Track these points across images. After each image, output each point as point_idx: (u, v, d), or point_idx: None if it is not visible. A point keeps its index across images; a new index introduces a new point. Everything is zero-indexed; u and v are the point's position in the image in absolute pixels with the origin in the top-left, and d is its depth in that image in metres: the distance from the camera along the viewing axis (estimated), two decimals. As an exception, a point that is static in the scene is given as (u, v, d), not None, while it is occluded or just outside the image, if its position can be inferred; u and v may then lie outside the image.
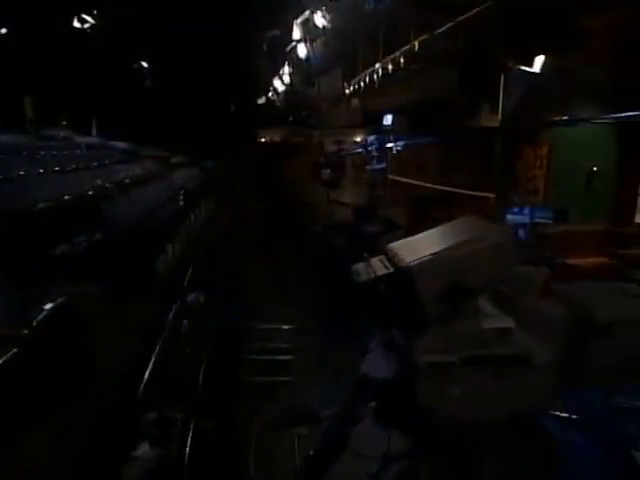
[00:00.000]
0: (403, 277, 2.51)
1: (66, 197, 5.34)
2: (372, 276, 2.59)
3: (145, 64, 14.15)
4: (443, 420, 2.59)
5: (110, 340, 3.42)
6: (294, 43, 11.89)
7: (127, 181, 7.53)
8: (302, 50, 12.37)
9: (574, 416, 3.44)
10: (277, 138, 31.12)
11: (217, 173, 14.24)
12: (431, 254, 2.57)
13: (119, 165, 9.35)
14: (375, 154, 10.97)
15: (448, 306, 2.46)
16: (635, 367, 3.05)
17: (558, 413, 3.32)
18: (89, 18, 12.62)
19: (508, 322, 2.73)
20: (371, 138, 11.49)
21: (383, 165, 11.81)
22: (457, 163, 13.09)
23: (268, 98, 18.44)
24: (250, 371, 5.31)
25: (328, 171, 16.47)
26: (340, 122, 18.82)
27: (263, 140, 31.12)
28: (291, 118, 20.90)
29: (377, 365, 2.84)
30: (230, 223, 10.42)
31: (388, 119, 13.31)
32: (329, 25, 11.19)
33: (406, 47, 10.69)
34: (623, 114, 8.77)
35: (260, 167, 15.69)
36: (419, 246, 2.76)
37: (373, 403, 2.87)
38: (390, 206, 15.94)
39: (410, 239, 2.99)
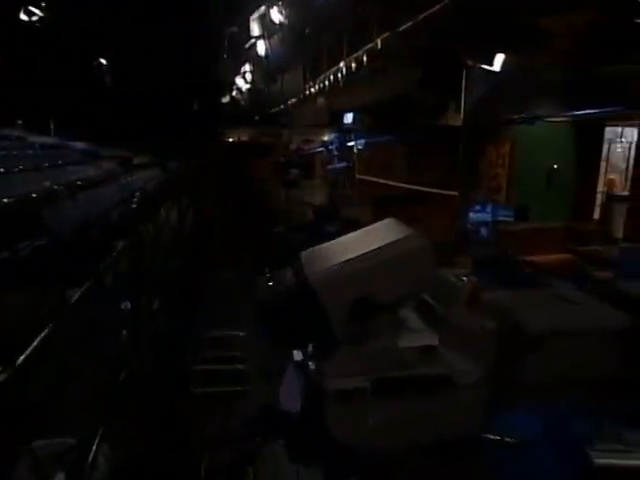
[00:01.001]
0: (305, 292, 2.24)
1: (5, 200, 5.02)
2: (274, 290, 2.35)
3: (104, 61, 13.70)
4: (358, 451, 2.34)
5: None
6: (253, 40, 11.66)
7: (79, 183, 7.18)
8: (261, 47, 12.14)
9: (509, 438, 3.23)
10: (245, 137, 30.92)
11: (181, 173, 13.89)
12: (336, 264, 2.30)
13: (73, 166, 8.98)
14: (336, 153, 10.85)
15: (358, 324, 2.21)
16: (572, 382, 2.92)
17: (490, 435, 3.07)
18: (37, 11, 12.04)
19: (430, 339, 2.52)
20: (332, 137, 11.38)
21: (344, 164, 11.70)
22: (424, 162, 13.14)
23: (232, 97, 18.18)
24: (198, 382, 5.10)
25: (295, 170, 16.30)
26: (307, 121, 18.72)
27: (231, 140, 30.84)
28: (257, 117, 20.70)
29: (288, 392, 2.55)
30: (191, 224, 10.16)
31: (349, 117, 13.20)
32: (285, 21, 11.00)
33: (369, 45, 10.61)
34: (580, 112, 8.92)
35: (226, 167, 15.44)
36: (330, 254, 2.50)
37: (281, 436, 2.59)
38: (357, 205, 15.93)
39: (324, 246, 2.71)
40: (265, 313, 2.42)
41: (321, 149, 13.89)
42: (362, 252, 2.35)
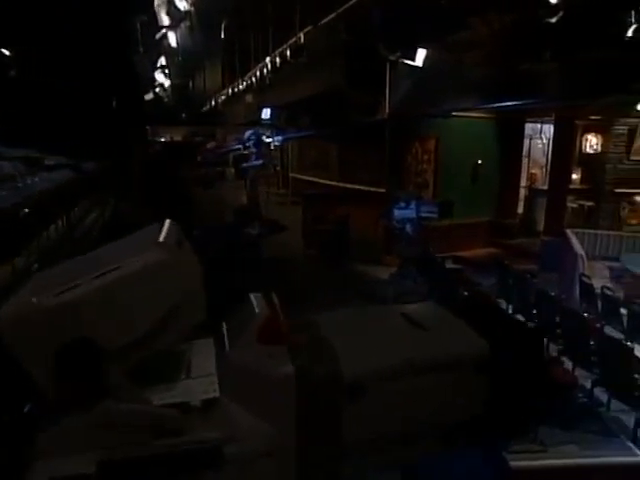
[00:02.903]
0: None
1: None
2: None
3: (7, 52, 12.54)
4: None
5: None
6: (164, 30, 11.03)
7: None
8: (172, 38, 11.52)
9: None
10: (178, 137, 29.81)
11: (98, 174, 12.98)
12: (30, 295, 1.58)
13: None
14: (253, 150, 10.46)
15: (76, 378, 1.45)
16: (416, 434, 2.47)
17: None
18: None
19: (194, 394, 1.79)
20: (248, 133, 10.95)
21: (260, 162, 11.31)
22: (358, 159, 13.00)
23: (156, 94, 17.35)
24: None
25: (209, 170, 15.59)
26: (238, 119, 18.17)
27: (163, 140, 29.66)
28: (184, 116, 19.92)
29: None
30: (104, 227, 9.44)
31: (266, 113, 12.77)
32: (192, 8, 10.44)
33: (292, 40, 10.32)
34: (498, 104, 9.05)
35: (149, 168, 14.64)
36: (56, 279, 1.76)
37: None
38: (290, 204, 15.64)
39: (64, 265, 1.98)
40: None
41: (238, 147, 13.43)
42: (84, 276, 1.70)
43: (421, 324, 2.99)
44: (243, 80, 14.66)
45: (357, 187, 11.63)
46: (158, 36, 11.15)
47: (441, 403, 2.61)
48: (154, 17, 11.15)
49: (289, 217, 12.55)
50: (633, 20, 7.27)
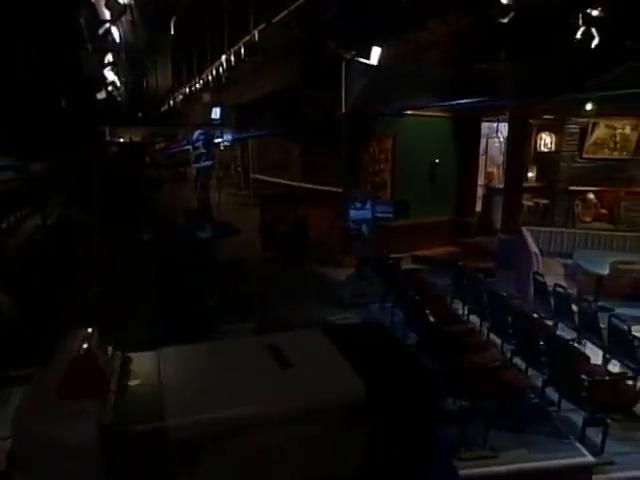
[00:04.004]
0: None
1: None
2: None
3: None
4: None
5: None
6: (107, 25, 10.58)
7: None
8: (115, 33, 11.07)
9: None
10: (137, 138, 28.99)
11: (47, 176, 12.39)
12: None
13: None
14: (203, 151, 10.17)
15: None
16: None
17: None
18: None
19: None
20: (197, 133, 10.65)
21: (210, 163, 11.00)
22: (318, 159, 12.85)
23: (109, 93, 16.72)
24: None
25: (153, 172, 15.08)
26: (197, 119, 17.77)
27: (122, 140, 28.79)
28: (140, 115, 19.33)
29: None
30: (47, 232, 8.98)
31: (216, 112, 12.44)
32: (132, 1, 10.05)
33: (246, 38, 10.08)
34: (452, 102, 9.06)
35: (102, 168, 14.11)
36: None
37: None
38: (251, 206, 15.36)
39: None
40: None
41: (187, 147, 13.07)
42: None
43: (288, 361, 2.62)
44: (200, 79, 14.29)
45: (318, 187, 11.48)
46: (101, 31, 10.69)
47: (308, 459, 2.21)
48: (95, 11, 10.70)
49: (249, 218, 12.29)
50: (580, 23, 7.43)
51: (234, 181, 20.48)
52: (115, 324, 4.33)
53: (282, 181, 14.18)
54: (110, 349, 2.42)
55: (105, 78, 13.23)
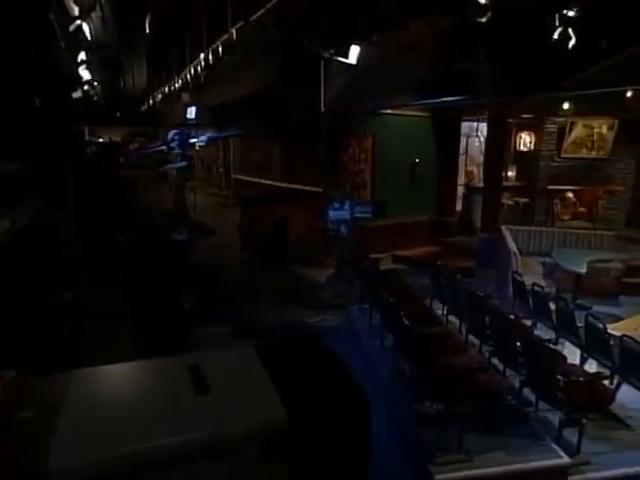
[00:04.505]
0: None
1: None
2: None
3: None
4: None
5: None
6: (77, 22, 10.32)
7: None
8: (86, 30, 10.81)
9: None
10: (117, 138, 28.50)
11: (21, 176, 12.11)
12: None
13: None
14: (178, 151, 9.99)
15: None
16: None
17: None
18: None
19: None
20: (172, 133, 10.45)
21: (185, 163, 10.82)
22: (299, 159, 12.74)
23: (86, 92, 16.38)
24: None
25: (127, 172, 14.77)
26: (176, 119, 17.52)
27: (101, 140, 28.28)
28: (119, 114, 19.00)
29: None
30: (18, 234, 8.74)
31: (191, 112, 12.23)
32: None
33: (225, 36, 9.92)
34: (431, 100, 9.04)
35: (79, 169, 13.82)
36: None
37: None
38: (232, 206, 15.20)
39: None
40: None
41: (162, 147, 12.87)
42: None
43: (206, 385, 2.40)
44: (179, 78, 14.08)
45: (299, 187, 11.38)
46: (72, 28, 10.42)
47: None
48: (64, 7, 10.43)
49: (229, 219, 12.13)
50: (557, 24, 7.47)
51: (216, 181, 20.27)
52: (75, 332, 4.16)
53: (263, 181, 14.05)
54: (9, 373, 2.20)
55: (80, 77, 12.95)
